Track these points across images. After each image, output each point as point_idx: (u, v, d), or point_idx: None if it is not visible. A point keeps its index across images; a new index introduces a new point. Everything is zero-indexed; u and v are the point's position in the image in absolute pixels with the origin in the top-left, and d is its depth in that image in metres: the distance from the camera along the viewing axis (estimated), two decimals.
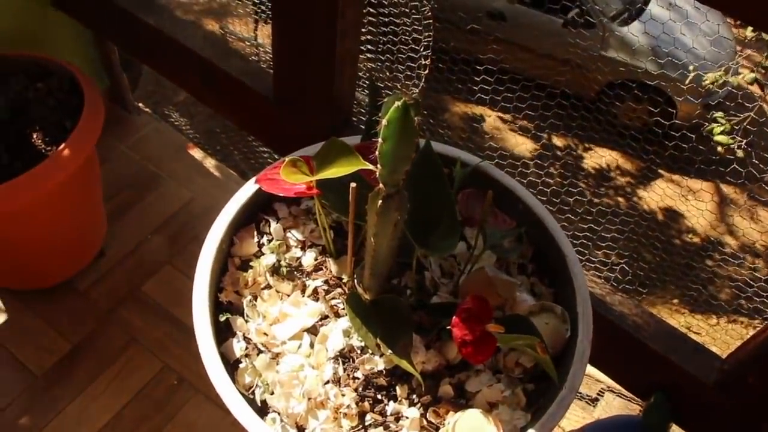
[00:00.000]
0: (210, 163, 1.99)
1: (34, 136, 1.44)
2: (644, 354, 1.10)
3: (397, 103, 0.56)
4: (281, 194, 0.76)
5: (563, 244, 0.87)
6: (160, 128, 2.07)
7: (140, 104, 2.11)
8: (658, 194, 5.10)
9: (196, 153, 2.02)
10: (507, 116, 5.42)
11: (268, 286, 0.85)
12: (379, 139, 0.59)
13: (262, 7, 3.86)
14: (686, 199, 5.08)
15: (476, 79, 3.62)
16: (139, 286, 1.68)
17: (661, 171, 5.28)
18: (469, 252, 0.88)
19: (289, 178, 0.72)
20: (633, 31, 4.76)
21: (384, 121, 0.57)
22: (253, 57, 3.74)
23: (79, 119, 1.42)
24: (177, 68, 1.54)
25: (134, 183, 1.89)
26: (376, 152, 0.60)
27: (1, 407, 1.48)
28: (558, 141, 5.53)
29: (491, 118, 5.46)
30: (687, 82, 3.59)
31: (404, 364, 0.73)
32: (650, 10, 4.86)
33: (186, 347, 1.60)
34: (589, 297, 0.85)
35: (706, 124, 3.61)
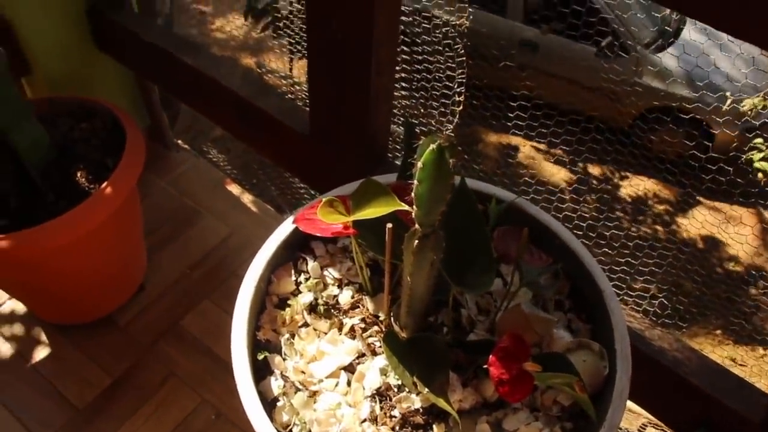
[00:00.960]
0: (247, 198, 2.02)
1: (78, 174, 1.49)
2: (686, 389, 1.08)
3: (432, 146, 0.57)
4: (318, 234, 0.77)
5: (600, 279, 0.87)
6: (198, 164, 2.11)
7: (179, 141, 2.16)
8: (698, 222, 5.01)
9: (234, 188, 2.05)
10: (542, 146, 5.40)
11: (306, 324, 0.86)
12: (415, 181, 0.60)
13: (297, 46, 3.94)
14: (727, 227, 4.98)
15: (510, 113, 3.63)
16: (178, 320, 1.71)
17: (700, 198, 5.20)
18: (505, 289, 0.87)
19: (326, 219, 0.73)
20: (667, 59, 4.73)
21: (419, 164, 0.58)
22: (288, 93, 3.81)
23: (121, 158, 1.46)
24: (214, 106, 1.58)
25: (174, 218, 1.93)
26: (412, 194, 0.61)
27: None
28: (594, 170, 5.49)
29: (526, 148, 5.45)
30: (725, 108, 3.54)
31: (441, 403, 0.73)
32: (685, 36, 4.82)
33: (224, 382, 1.61)
34: (628, 332, 0.84)
35: (746, 150, 3.55)
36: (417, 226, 0.65)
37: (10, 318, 1.71)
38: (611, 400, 0.78)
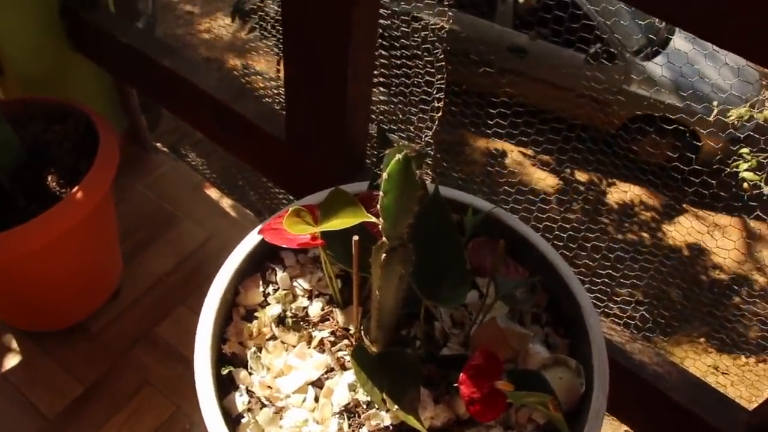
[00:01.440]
0: (226, 203, 1.99)
1: (50, 178, 1.45)
2: (666, 404, 1.06)
3: (398, 156, 0.54)
4: (284, 245, 0.74)
5: (578, 294, 0.84)
6: (177, 168, 2.07)
7: (158, 144, 2.13)
8: (684, 230, 5.02)
9: (213, 192, 2.02)
10: (529, 151, 5.40)
11: (274, 337, 0.83)
12: (381, 193, 0.57)
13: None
14: (712, 236, 4.99)
15: (497, 118, 3.62)
16: (153, 327, 1.67)
17: (686, 206, 5.21)
18: (480, 301, 0.85)
19: (293, 229, 0.70)
20: (654, 67, 4.74)
21: (385, 175, 0.56)
22: (275, 95, 3.77)
23: (93, 161, 1.43)
24: (192, 110, 1.54)
25: (151, 222, 1.89)
26: (378, 206, 0.59)
27: None
28: (580, 176, 5.49)
29: (513, 153, 5.44)
30: (712, 117, 3.55)
31: (411, 421, 0.71)
32: (672, 45, 4.84)
33: None
34: (606, 349, 0.82)
35: (732, 159, 3.55)
36: (384, 238, 0.62)
37: None
38: (587, 420, 0.75)
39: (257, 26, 4.82)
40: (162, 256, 1.82)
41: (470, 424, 0.79)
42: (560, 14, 4.18)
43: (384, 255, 0.62)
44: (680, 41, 4.75)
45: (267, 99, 4.16)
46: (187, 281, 1.76)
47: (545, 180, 5.32)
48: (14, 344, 1.62)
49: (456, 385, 0.68)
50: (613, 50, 4.88)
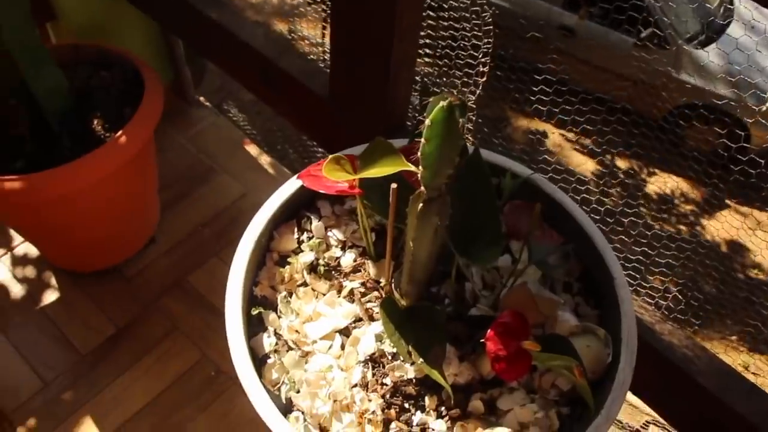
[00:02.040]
0: (265, 160, 2.01)
1: (95, 122, 1.48)
2: (693, 389, 1.04)
3: (443, 103, 0.54)
4: (322, 191, 0.75)
5: (612, 266, 0.84)
6: (218, 123, 2.09)
7: (201, 98, 2.14)
8: (723, 225, 4.92)
9: (252, 149, 2.04)
10: (570, 134, 5.32)
11: (305, 284, 0.84)
12: (422, 140, 0.57)
13: (329, 10, 3.89)
14: (753, 232, 4.88)
15: (537, 91, 3.56)
16: (185, 276, 1.70)
17: (727, 201, 5.10)
18: (513, 266, 0.85)
19: (331, 176, 0.71)
20: (709, 54, 4.61)
21: (427, 121, 0.55)
22: (319, 60, 3.77)
23: (138, 108, 1.45)
24: (236, 63, 1.55)
25: (189, 175, 1.92)
26: (419, 153, 0.59)
27: (47, 381, 1.52)
28: (622, 163, 5.40)
29: (554, 135, 5.37)
30: (764, 108, 3.45)
31: (435, 375, 0.71)
32: (729, 32, 4.70)
33: (226, 339, 1.60)
34: (636, 323, 0.81)
35: None
36: (422, 188, 0.62)
37: (23, 261, 1.72)
38: (611, 390, 0.75)
39: None
40: (198, 208, 1.85)
41: (493, 385, 0.79)
42: None
43: (421, 205, 0.63)
44: (735, 29, 4.61)
45: (312, 57, 4.16)
46: (222, 234, 1.79)
47: (585, 164, 5.24)
48: (54, 282, 1.67)
49: (483, 341, 0.68)
50: (664, 35, 4.75)
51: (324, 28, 4.60)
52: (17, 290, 1.66)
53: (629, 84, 4.67)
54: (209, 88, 3.55)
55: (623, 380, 0.75)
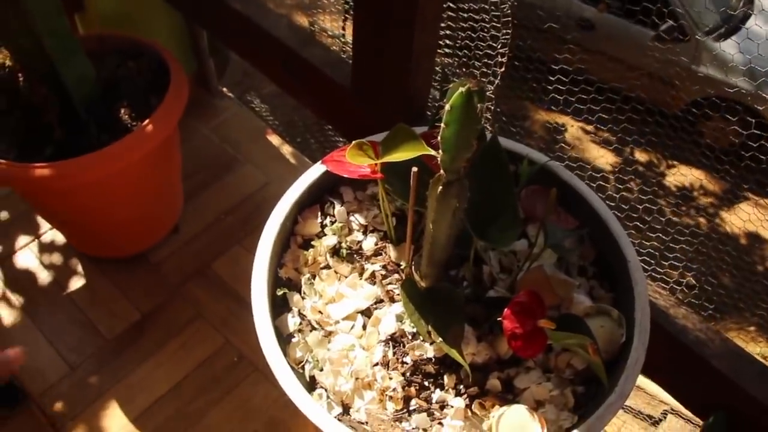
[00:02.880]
0: (287, 150, 2.04)
1: (122, 111, 1.51)
2: (706, 371, 1.06)
3: (461, 89, 0.57)
4: (346, 176, 0.78)
5: (626, 249, 0.86)
6: (241, 113, 2.13)
7: (224, 89, 2.18)
8: (744, 217, 4.88)
9: (274, 139, 2.07)
10: (589, 127, 5.30)
11: (328, 267, 0.87)
12: (442, 124, 0.60)
13: (352, 3, 3.91)
14: None
15: (557, 85, 3.56)
16: (209, 263, 1.74)
17: (747, 194, 5.06)
18: (529, 249, 0.87)
19: (354, 160, 0.73)
20: (729, 47, 4.58)
21: (447, 107, 0.58)
22: (341, 52, 3.80)
23: (164, 98, 1.48)
24: (260, 54, 1.58)
25: (213, 164, 1.95)
26: (439, 138, 0.61)
27: (73, 366, 1.56)
28: (641, 156, 5.38)
29: (573, 128, 5.36)
30: None
31: (453, 353, 0.74)
32: (749, 24, 4.66)
33: (249, 326, 1.62)
34: (649, 305, 0.83)
35: None
36: (442, 171, 0.64)
37: (50, 247, 1.76)
38: (625, 368, 0.78)
39: None
40: (221, 197, 1.88)
41: (510, 364, 0.82)
42: None
43: (441, 188, 0.65)
44: (757, 22, 4.57)
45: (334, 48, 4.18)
46: (245, 222, 1.83)
47: (604, 157, 5.23)
48: (80, 268, 1.72)
49: (500, 320, 0.71)
50: (685, 28, 4.72)
51: (345, 20, 4.63)
52: (44, 277, 1.71)
53: (647, 76, 4.65)
54: (232, 79, 3.59)
55: (636, 359, 0.78)
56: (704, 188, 5.36)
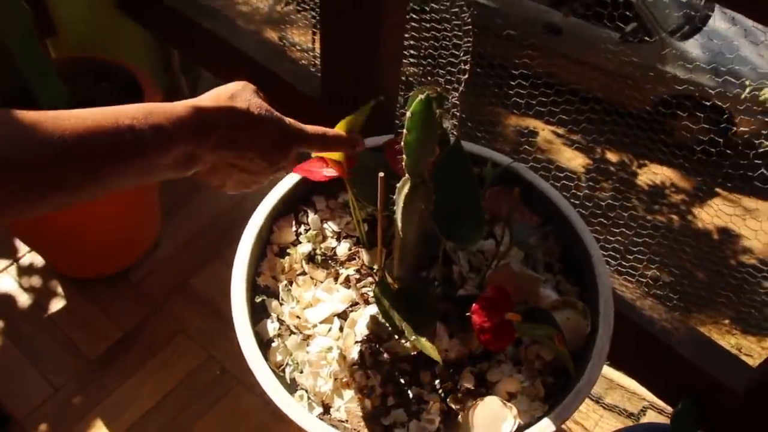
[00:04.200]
0: None
1: None
2: (673, 359, 1.11)
3: (421, 97, 0.60)
4: (314, 179, 0.81)
5: (589, 244, 0.90)
6: None
7: None
8: (714, 213, 4.98)
9: None
10: (560, 130, 5.39)
11: (304, 273, 0.90)
12: (404, 131, 0.63)
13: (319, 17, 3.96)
14: (743, 219, 4.94)
15: (525, 90, 3.63)
16: (188, 279, 1.76)
17: (718, 190, 5.16)
18: (496, 248, 0.91)
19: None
20: (692, 46, 4.69)
21: (408, 113, 0.62)
22: (310, 66, 3.84)
23: None
24: (230, 70, 1.61)
25: (188, 180, 1.96)
26: (402, 143, 0.65)
27: (57, 387, 1.57)
28: (612, 157, 5.47)
29: (545, 132, 5.44)
30: (743, 96, 3.53)
31: (427, 349, 0.77)
32: (712, 23, 4.79)
33: (230, 339, 1.63)
34: (614, 297, 0.87)
35: (763, 140, 3.53)
36: (407, 175, 0.68)
37: (29, 270, 1.77)
38: (591, 357, 0.81)
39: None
40: (199, 213, 1.90)
41: (482, 359, 0.85)
42: None
43: (407, 191, 0.69)
44: (719, 21, 4.69)
45: (303, 62, 4.22)
46: (222, 238, 1.85)
47: (576, 159, 5.31)
48: (60, 289, 1.73)
49: (469, 315, 0.74)
50: (649, 28, 4.83)
51: (314, 34, 4.67)
52: (24, 300, 1.72)
53: (618, 79, 4.74)
54: (201, 92, 3.60)
55: (602, 347, 0.82)
56: (675, 185, 5.46)
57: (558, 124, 5.16)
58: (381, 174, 0.69)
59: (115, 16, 1.84)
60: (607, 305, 0.85)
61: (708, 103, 4.34)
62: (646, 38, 4.89)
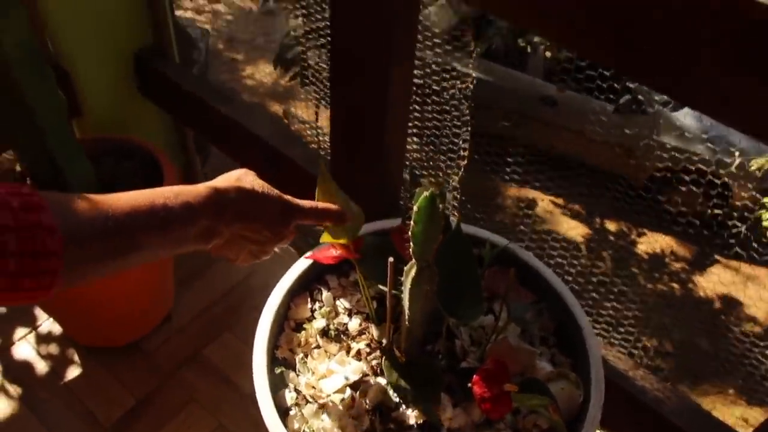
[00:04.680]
0: None
1: None
2: (665, 428, 1.17)
3: (426, 194, 0.70)
4: (324, 262, 0.90)
5: (579, 317, 0.98)
6: None
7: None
8: (715, 281, 5.03)
9: None
10: (559, 200, 5.51)
11: (318, 346, 0.97)
12: (412, 222, 0.72)
13: (324, 96, 4.13)
14: (745, 286, 5.00)
15: (523, 161, 3.75)
16: (200, 349, 1.83)
17: (718, 257, 5.23)
18: (495, 323, 0.99)
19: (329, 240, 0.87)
20: (686, 117, 4.83)
21: (414, 208, 0.71)
22: (313, 141, 3.98)
23: None
24: (244, 151, 1.72)
25: (200, 254, 2.04)
26: (409, 233, 0.74)
27: None
28: (610, 225, 5.56)
29: (544, 202, 5.56)
30: (733, 168, 3.65)
31: (433, 419, 0.84)
32: None
33: (241, 409, 1.72)
34: (609, 368, 0.95)
35: (758, 209, 3.63)
36: (414, 261, 0.77)
37: (47, 338, 1.84)
38: (584, 425, 0.88)
39: (299, 75, 5.05)
40: (210, 286, 1.98)
41: (484, 427, 0.92)
42: (589, 65, 4.33)
43: (413, 274, 0.77)
44: None
45: (306, 138, 4.36)
46: (233, 310, 1.92)
47: (575, 229, 5.41)
48: (76, 357, 1.79)
49: (470, 386, 0.81)
50: (642, 100, 4.99)
51: (317, 108, 4.85)
52: (41, 367, 1.78)
53: (614, 150, 4.87)
54: (208, 169, 3.73)
55: (594, 416, 0.88)
56: (675, 254, 5.52)
57: (557, 194, 5.28)
58: (390, 259, 0.78)
59: (136, 98, 1.97)
60: (598, 375, 0.92)
61: (707, 171, 4.46)
62: (641, 110, 5.04)
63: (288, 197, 0.87)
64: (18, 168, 1.61)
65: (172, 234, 0.74)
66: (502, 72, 5.30)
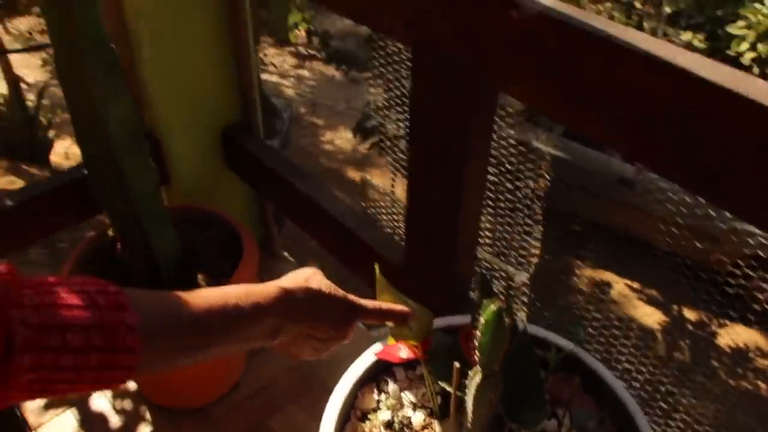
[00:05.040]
0: None
1: (200, 277, 1.71)
2: None
3: (493, 307, 0.72)
4: (393, 361, 0.93)
5: (642, 427, 0.97)
6: None
7: (285, 253, 2.39)
8: None
9: None
10: (635, 284, 5.35)
11: None
12: (478, 332, 0.75)
13: (399, 164, 4.23)
14: None
15: (600, 242, 3.69)
16: (266, 419, 1.86)
17: None
18: (557, 429, 0.99)
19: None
20: None
21: (482, 320, 0.74)
22: (387, 210, 4.05)
23: (237, 265, 1.68)
24: (320, 229, 1.79)
25: None
26: (475, 341, 0.76)
27: None
28: (689, 314, 5.35)
29: (619, 285, 5.42)
30: None
31: None
32: None
33: None
34: None
35: None
36: (479, 367, 0.79)
37: (123, 394, 1.92)
38: None
39: (377, 144, 5.19)
40: (280, 357, 2.02)
41: None
42: None
43: (478, 380, 0.79)
44: None
45: (381, 211, 4.43)
46: (301, 383, 1.95)
47: (651, 315, 5.23)
48: (148, 416, 1.86)
49: None
50: None
51: (393, 178, 4.95)
52: (115, 421, 1.85)
53: (695, 237, 4.73)
54: (282, 236, 3.84)
55: None
56: (761, 350, 5.24)
57: (632, 277, 5.15)
58: (456, 365, 0.80)
59: (222, 170, 2.08)
60: None
61: None
62: None
63: (352, 297, 0.91)
64: (110, 232, 1.73)
65: (242, 334, 0.79)
66: (580, 151, 5.29)
